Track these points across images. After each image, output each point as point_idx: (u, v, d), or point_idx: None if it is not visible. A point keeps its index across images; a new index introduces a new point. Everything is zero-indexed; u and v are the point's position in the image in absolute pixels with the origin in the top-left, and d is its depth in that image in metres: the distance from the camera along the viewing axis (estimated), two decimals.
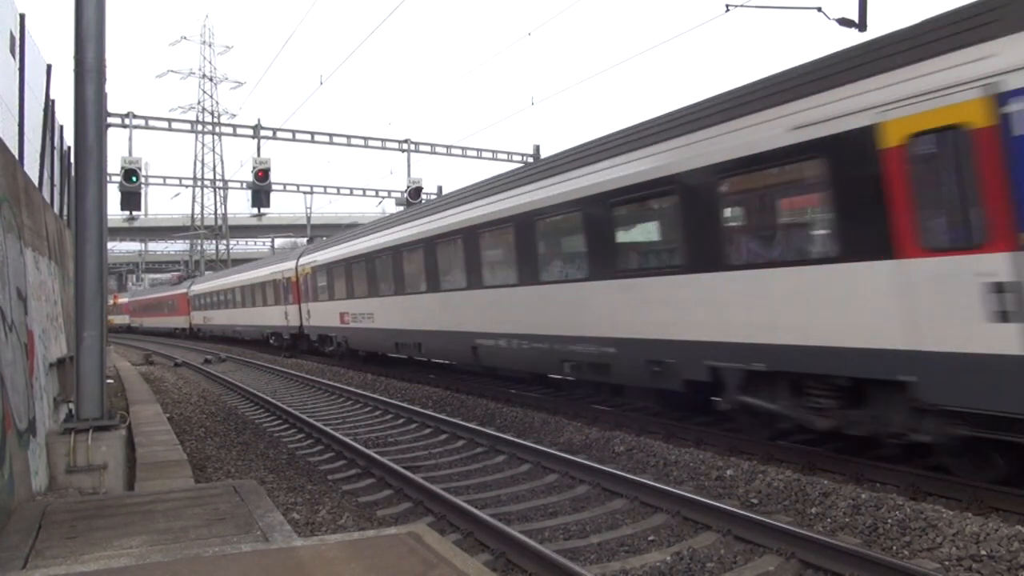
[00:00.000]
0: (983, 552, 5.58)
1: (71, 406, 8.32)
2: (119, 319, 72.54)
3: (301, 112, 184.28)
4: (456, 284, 15.49)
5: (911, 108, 6.91)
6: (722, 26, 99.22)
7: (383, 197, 39.55)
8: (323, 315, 24.83)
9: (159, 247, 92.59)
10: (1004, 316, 6.30)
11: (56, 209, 13.82)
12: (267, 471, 9.76)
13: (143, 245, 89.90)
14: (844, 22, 14.42)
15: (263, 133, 29.69)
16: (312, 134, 30.48)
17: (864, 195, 7.32)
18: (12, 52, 9.31)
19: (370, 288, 20.60)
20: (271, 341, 32.10)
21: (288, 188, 35.69)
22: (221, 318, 40.93)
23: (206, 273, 56.38)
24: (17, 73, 9.62)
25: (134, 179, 25.10)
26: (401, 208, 32.39)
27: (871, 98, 7.23)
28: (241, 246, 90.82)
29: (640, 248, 11.03)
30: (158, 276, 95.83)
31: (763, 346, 8.47)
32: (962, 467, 7.32)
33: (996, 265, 6.33)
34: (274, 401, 15.82)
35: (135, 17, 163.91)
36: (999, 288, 6.31)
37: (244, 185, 32.78)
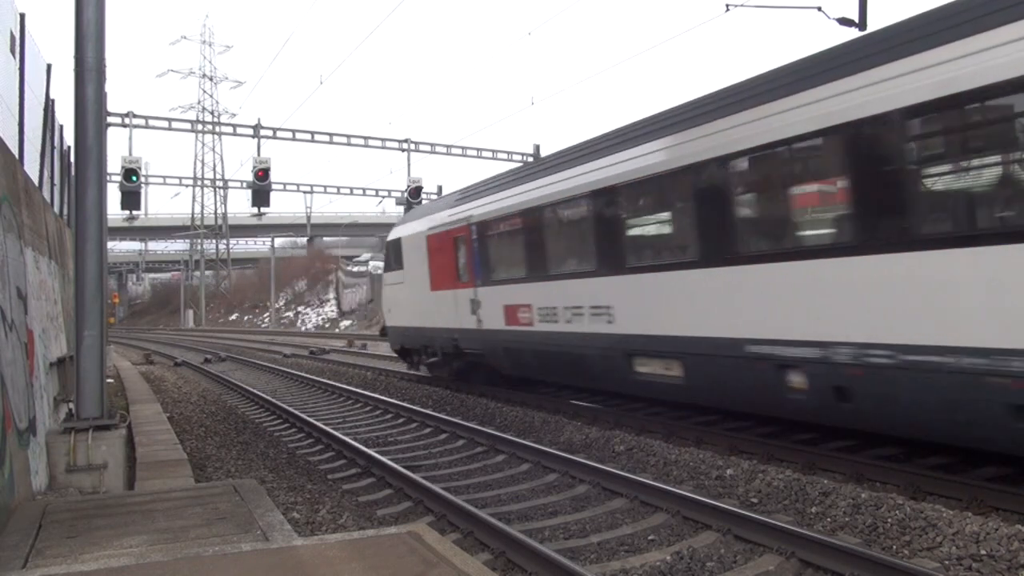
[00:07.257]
0: (983, 551, 5.58)
1: (71, 405, 8.33)
2: (465, 293, 14.91)
3: (301, 112, 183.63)
4: None
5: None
6: (722, 26, 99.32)
7: (383, 197, 39.63)
8: None
9: (159, 247, 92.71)
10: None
11: (56, 209, 13.81)
12: (267, 470, 9.76)
13: (143, 245, 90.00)
14: (844, 21, 14.45)
15: (263, 133, 29.73)
16: (312, 134, 30.52)
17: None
18: (12, 52, 9.30)
19: None
20: None
21: (288, 188, 35.81)
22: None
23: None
24: (17, 73, 9.61)
25: (134, 179, 25.12)
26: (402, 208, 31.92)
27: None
28: (241, 245, 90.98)
29: None
30: (157, 276, 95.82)
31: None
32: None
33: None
34: (274, 400, 15.82)
35: (135, 17, 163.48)
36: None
37: (244, 185, 32.85)
